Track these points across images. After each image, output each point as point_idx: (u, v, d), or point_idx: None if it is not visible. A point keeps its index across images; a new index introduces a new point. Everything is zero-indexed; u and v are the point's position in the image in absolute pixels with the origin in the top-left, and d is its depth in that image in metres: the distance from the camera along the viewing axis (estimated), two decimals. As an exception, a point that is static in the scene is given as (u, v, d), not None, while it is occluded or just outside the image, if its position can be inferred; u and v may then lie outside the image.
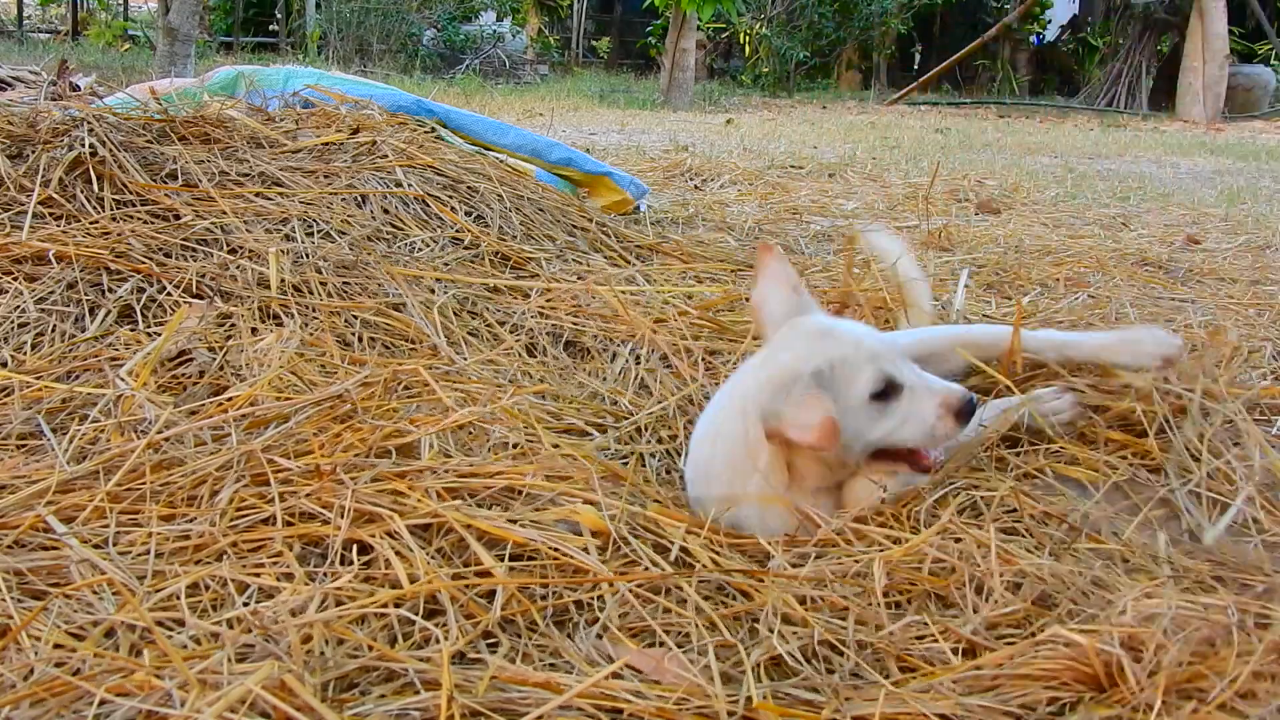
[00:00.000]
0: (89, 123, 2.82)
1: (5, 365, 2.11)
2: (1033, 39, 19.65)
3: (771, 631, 1.40)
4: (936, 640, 1.39)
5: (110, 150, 2.76)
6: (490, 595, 1.43)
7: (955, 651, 1.38)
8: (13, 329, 2.22)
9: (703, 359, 2.44)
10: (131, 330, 2.29)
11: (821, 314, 1.79)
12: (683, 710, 1.23)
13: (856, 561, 1.56)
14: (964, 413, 1.64)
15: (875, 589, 1.47)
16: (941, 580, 1.51)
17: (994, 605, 1.45)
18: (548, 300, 2.75)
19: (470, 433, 1.90)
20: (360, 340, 2.39)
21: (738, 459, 1.71)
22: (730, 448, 1.73)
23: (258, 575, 1.45)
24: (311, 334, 2.32)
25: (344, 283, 2.58)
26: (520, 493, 1.66)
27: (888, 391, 1.63)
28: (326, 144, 3.24)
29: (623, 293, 2.84)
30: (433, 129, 3.71)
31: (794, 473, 1.69)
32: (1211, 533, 1.69)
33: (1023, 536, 1.68)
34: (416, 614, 1.38)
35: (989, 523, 1.65)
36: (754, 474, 1.69)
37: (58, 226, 2.52)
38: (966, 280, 3.20)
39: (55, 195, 2.60)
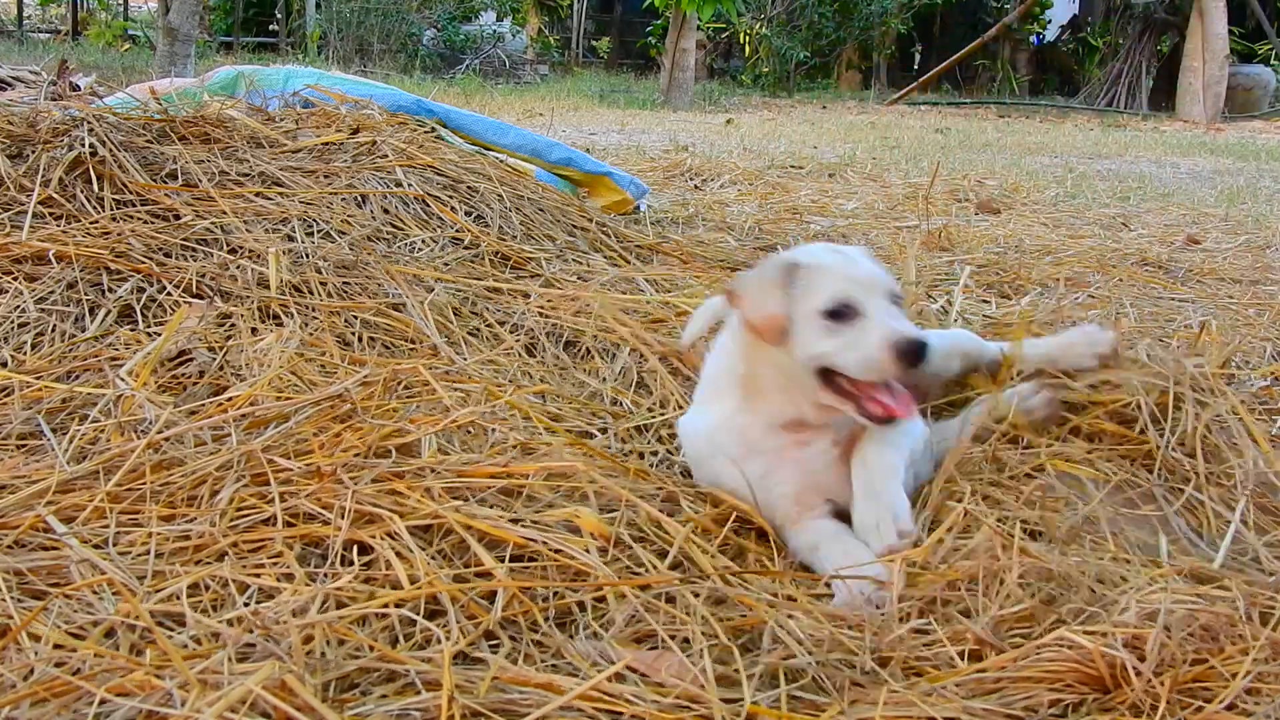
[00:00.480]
0: (89, 123, 2.82)
1: (5, 365, 2.11)
2: (1033, 39, 19.66)
3: (778, 634, 1.39)
4: (944, 645, 1.38)
5: (110, 150, 2.75)
6: (491, 596, 1.43)
7: (962, 655, 1.37)
8: (13, 329, 2.22)
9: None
10: (131, 330, 2.28)
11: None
12: (683, 712, 1.23)
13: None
14: (906, 352, 1.58)
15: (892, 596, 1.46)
16: (954, 573, 1.49)
17: (1003, 603, 1.44)
18: (549, 300, 2.75)
19: (470, 432, 1.89)
20: (360, 340, 2.39)
21: (719, 347, 1.85)
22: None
23: (258, 575, 1.45)
24: (311, 334, 2.32)
25: (344, 283, 2.58)
26: (520, 493, 1.66)
27: (842, 313, 1.63)
28: (326, 144, 3.23)
29: (621, 293, 2.84)
30: (433, 129, 3.71)
31: (753, 381, 1.74)
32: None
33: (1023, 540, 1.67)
34: (418, 614, 1.37)
35: (989, 521, 1.64)
36: (728, 374, 1.78)
37: (58, 226, 2.52)
38: (967, 280, 3.20)
39: (55, 195, 2.60)
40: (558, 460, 1.74)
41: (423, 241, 2.92)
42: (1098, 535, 1.66)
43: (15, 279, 2.35)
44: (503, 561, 1.49)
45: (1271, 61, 16.49)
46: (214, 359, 2.16)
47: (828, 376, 1.65)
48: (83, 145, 2.71)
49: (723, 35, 19.85)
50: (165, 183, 2.78)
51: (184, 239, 2.58)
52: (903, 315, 1.67)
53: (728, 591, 1.48)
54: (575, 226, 3.42)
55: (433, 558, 1.49)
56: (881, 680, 1.33)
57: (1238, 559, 1.68)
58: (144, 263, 2.45)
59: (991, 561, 1.49)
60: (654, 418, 2.20)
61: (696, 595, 1.46)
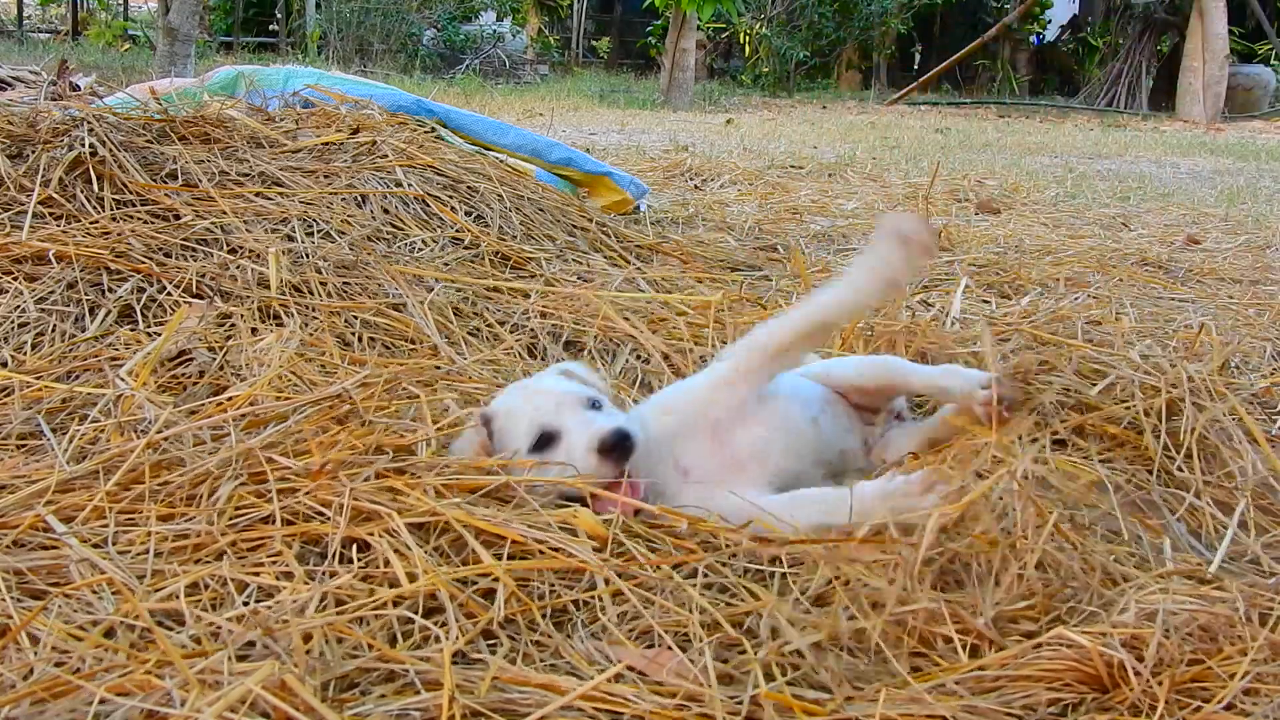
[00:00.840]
0: (89, 123, 2.82)
1: (5, 365, 2.11)
2: (1033, 39, 19.66)
3: (778, 623, 1.39)
4: (951, 639, 1.38)
5: (110, 150, 2.75)
6: (489, 594, 1.43)
7: (963, 646, 1.37)
8: (13, 329, 2.22)
9: (701, 357, 2.44)
10: (131, 330, 2.28)
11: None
12: (684, 711, 1.23)
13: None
14: (610, 447, 1.64)
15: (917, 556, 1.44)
16: (984, 542, 1.48)
17: (1009, 593, 1.43)
18: (550, 301, 2.75)
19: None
20: (360, 340, 2.39)
21: None
22: None
23: (257, 574, 1.45)
24: (311, 334, 2.32)
25: (344, 283, 2.58)
26: (517, 494, 1.66)
27: (544, 442, 1.69)
28: (326, 144, 3.23)
29: (616, 296, 2.84)
30: (433, 129, 3.71)
31: None
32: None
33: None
34: (416, 613, 1.37)
35: (1020, 480, 1.61)
36: None
37: (58, 226, 2.52)
38: (967, 282, 3.20)
39: (55, 195, 2.60)
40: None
41: (423, 241, 2.92)
42: (1104, 534, 1.66)
43: (15, 279, 2.35)
44: (500, 559, 1.49)
45: (1271, 61, 16.49)
46: (214, 359, 2.16)
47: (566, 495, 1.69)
48: (83, 145, 2.72)
49: (723, 35, 19.85)
50: (165, 183, 2.78)
51: (184, 239, 2.58)
52: (605, 412, 1.73)
53: (729, 576, 1.48)
54: (575, 226, 3.43)
55: (430, 554, 1.49)
56: (882, 672, 1.33)
57: (1237, 560, 1.68)
58: (144, 263, 2.45)
59: (1019, 538, 1.48)
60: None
61: (694, 585, 1.46)
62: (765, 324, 1.84)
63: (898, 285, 1.72)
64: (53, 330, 2.24)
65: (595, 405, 1.73)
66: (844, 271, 1.80)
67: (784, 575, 1.54)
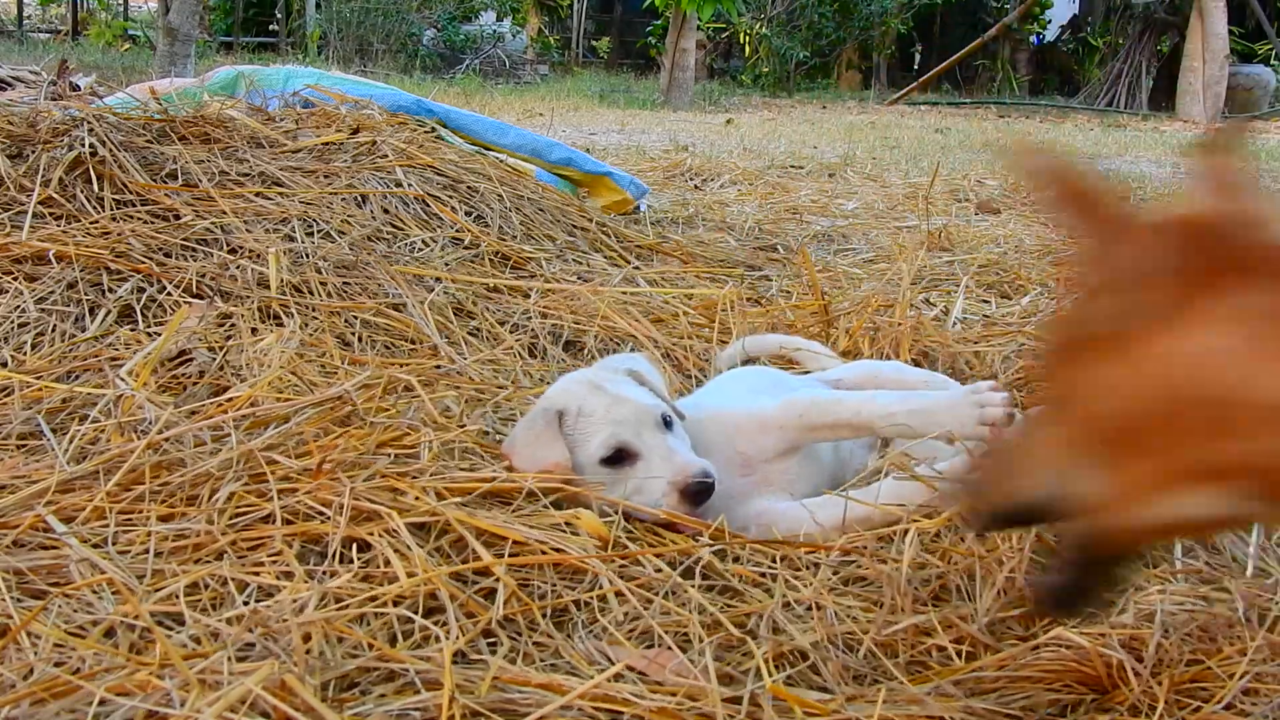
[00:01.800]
0: (89, 123, 2.82)
1: (5, 365, 2.11)
2: (1033, 39, 19.66)
3: (778, 622, 1.39)
4: (945, 647, 1.38)
5: (110, 150, 2.75)
6: (489, 594, 1.43)
7: (959, 654, 1.37)
8: (13, 329, 2.22)
9: (701, 357, 2.44)
10: (131, 330, 2.28)
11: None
12: (684, 711, 1.23)
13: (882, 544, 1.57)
14: (692, 493, 1.62)
15: (902, 566, 1.46)
16: (966, 555, 1.49)
17: (1002, 601, 1.44)
18: (550, 301, 2.75)
19: (470, 433, 1.89)
20: (360, 340, 2.39)
21: None
22: None
23: (257, 574, 1.45)
24: (311, 334, 2.32)
25: (344, 283, 2.58)
26: (519, 495, 1.66)
27: (620, 458, 1.66)
28: (326, 144, 3.23)
29: (622, 293, 2.84)
30: (433, 129, 3.71)
31: None
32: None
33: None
34: (416, 613, 1.37)
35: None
36: None
37: (58, 226, 2.52)
38: (968, 282, 3.20)
39: (55, 195, 2.60)
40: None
41: (423, 241, 2.92)
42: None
43: (15, 279, 2.35)
44: (501, 559, 1.49)
45: (1271, 61, 16.48)
46: (214, 359, 2.16)
47: None
48: (83, 145, 2.71)
49: (723, 35, 19.85)
50: (165, 183, 2.78)
51: (184, 239, 2.58)
52: (681, 437, 1.70)
53: (728, 573, 1.48)
54: (575, 226, 3.43)
55: (431, 555, 1.49)
56: (881, 672, 1.33)
57: (1238, 560, 1.68)
58: (144, 263, 2.45)
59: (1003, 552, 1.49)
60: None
61: (694, 585, 1.46)
62: (820, 398, 1.81)
63: (946, 436, 1.68)
64: (53, 330, 2.24)
65: (667, 423, 1.70)
66: (914, 397, 1.75)
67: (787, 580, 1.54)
